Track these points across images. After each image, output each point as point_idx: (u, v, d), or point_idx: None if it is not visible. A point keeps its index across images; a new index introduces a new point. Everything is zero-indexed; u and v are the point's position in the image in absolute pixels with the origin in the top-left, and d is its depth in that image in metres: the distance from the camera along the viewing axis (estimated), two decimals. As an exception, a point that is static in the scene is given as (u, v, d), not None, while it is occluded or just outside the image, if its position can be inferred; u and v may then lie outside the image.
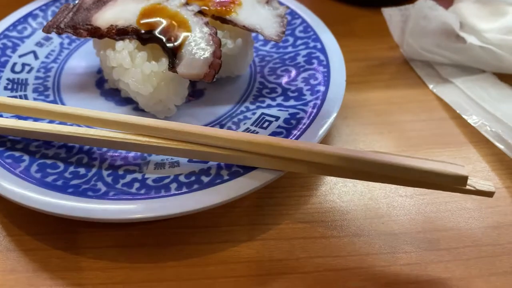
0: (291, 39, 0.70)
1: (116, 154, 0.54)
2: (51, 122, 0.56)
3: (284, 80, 0.64)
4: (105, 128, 0.53)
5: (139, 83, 0.56)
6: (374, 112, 0.69)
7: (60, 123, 0.55)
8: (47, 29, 0.61)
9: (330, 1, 0.91)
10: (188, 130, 0.50)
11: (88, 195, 0.49)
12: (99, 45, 0.61)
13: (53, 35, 0.70)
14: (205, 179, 0.50)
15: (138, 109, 0.60)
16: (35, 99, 0.61)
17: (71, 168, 0.52)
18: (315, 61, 0.66)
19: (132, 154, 0.54)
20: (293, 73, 0.65)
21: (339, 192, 0.58)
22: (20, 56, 0.67)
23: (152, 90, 0.56)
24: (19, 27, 0.70)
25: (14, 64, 0.66)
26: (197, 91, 0.64)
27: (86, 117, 0.53)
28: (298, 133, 0.55)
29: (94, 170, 0.52)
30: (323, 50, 0.67)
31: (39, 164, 0.52)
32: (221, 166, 0.52)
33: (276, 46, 0.70)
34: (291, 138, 0.54)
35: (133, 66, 0.56)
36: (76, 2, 0.63)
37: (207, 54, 0.55)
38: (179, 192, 0.49)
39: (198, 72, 0.54)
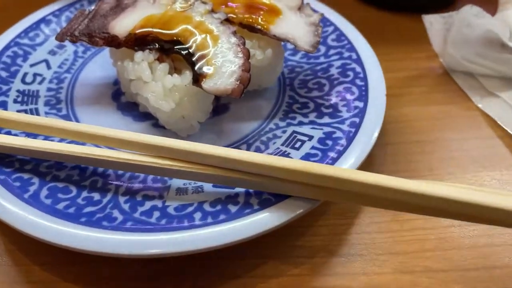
0: (323, 49, 0.64)
1: (134, 178, 0.49)
2: (62, 140, 0.51)
3: (317, 94, 0.59)
4: (122, 149, 0.47)
5: (160, 98, 0.51)
6: (413, 128, 0.63)
7: (73, 141, 0.50)
8: (60, 37, 0.57)
9: (361, 5, 0.85)
10: (213, 153, 0.45)
11: (103, 225, 0.44)
12: (116, 55, 0.56)
13: (67, 42, 0.66)
14: (233, 208, 0.45)
15: (158, 126, 0.55)
16: (46, 113, 0.57)
17: (85, 193, 0.47)
18: (350, 73, 0.60)
19: (151, 177, 0.49)
20: (327, 86, 0.59)
21: (380, 222, 0.52)
22: (31, 66, 0.62)
23: (174, 106, 0.51)
24: (31, 34, 0.66)
25: (25, 74, 0.61)
26: (221, 106, 0.59)
27: (101, 136, 0.48)
28: (336, 155, 0.49)
29: (109, 195, 0.47)
30: (359, 61, 0.61)
31: (49, 188, 0.48)
32: (249, 193, 0.46)
33: (306, 56, 0.64)
34: (327, 162, 0.49)
35: (153, 79, 0.51)
36: (92, 8, 0.59)
37: (235, 67, 0.50)
38: (204, 223, 0.44)
39: (226, 87, 0.49)
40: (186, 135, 0.54)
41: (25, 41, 0.65)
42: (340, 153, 0.49)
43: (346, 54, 0.62)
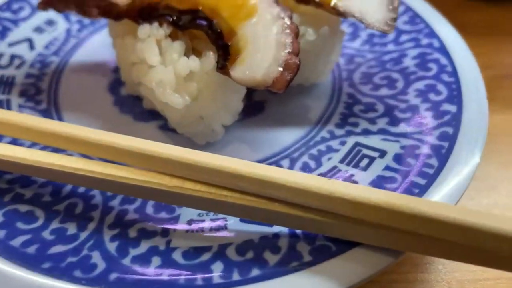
0: (392, 34, 0.48)
1: (128, 202, 0.34)
2: (34, 145, 0.37)
3: (387, 92, 0.43)
4: (113, 160, 0.32)
5: (170, 89, 0.35)
6: (508, 144, 0.46)
7: (47, 146, 0.36)
8: (43, 4, 0.42)
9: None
10: (242, 171, 0.30)
11: (74, 277, 0.29)
12: (116, 30, 0.42)
13: (59, 18, 0.51)
14: (272, 258, 0.30)
15: (167, 128, 0.40)
16: (20, 106, 0.42)
17: (55, 223, 0.33)
18: (433, 65, 0.44)
19: (152, 203, 0.34)
20: (400, 82, 0.43)
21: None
22: (10, 45, 0.48)
23: (189, 102, 0.36)
24: (15, 6, 0.52)
25: (0, 55, 0.47)
26: (254, 105, 0.43)
27: (85, 141, 0.33)
28: (424, 181, 0.33)
29: (91, 227, 0.32)
30: (443, 50, 0.45)
31: (6, 213, 0.33)
32: (296, 235, 0.31)
33: (370, 42, 0.48)
34: (412, 192, 0.33)
35: (163, 62, 0.36)
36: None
37: (279, 48, 0.34)
38: (228, 281, 0.28)
39: (264, 77, 0.33)
40: (204, 142, 0.39)
41: (6, 14, 0.51)
42: (431, 179, 0.33)
43: (425, 41, 0.46)
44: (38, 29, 0.50)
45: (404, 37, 0.48)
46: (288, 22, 0.36)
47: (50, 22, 0.51)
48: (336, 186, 0.29)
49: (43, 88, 0.44)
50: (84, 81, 0.45)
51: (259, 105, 0.43)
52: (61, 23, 0.51)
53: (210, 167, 0.30)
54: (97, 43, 0.49)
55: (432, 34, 0.47)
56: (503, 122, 0.48)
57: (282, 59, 0.34)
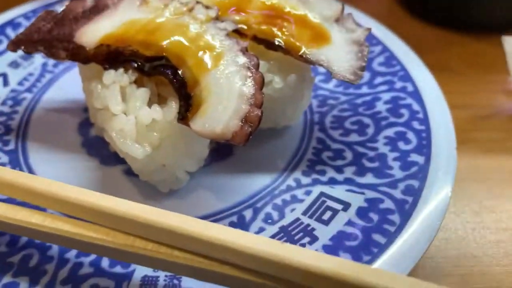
0: (367, 75, 0.48)
1: (83, 255, 0.34)
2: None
3: (357, 138, 0.42)
4: (67, 214, 0.32)
5: (131, 139, 0.35)
6: (487, 191, 0.46)
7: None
8: (13, 45, 0.42)
9: (415, 20, 0.68)
10: (192, 233, 0.29)
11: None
12: (85, 73, 0.41)
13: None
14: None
15: (132, 173, 0.40)
16: (-13, 146, 0.42)
17: (7, 277, 0.32)
18: (404, 111, 0.43)
19: (106, 258, 0.34)
20: (371, 128, 0.43)
21: None
22: (-17, 81, 0.48)
23: (149, 152, 0.35)
24: (-8, 40, 0.52)
25: (-27, 91, 0.47)
26: (223, 148, 0.43)
27: (37, 192, 0.32)
28: (384, 240, 0.33)
29: (43, 282, 0.32)
30: (416, 95, 0.44)
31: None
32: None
33: (343, 84, 0.48)
34: (371, 252, 0.32)
35: (126, 110, 0.36)
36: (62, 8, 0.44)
37: (240, 100, 0.34)
38: None
39: (224, 131, 0.33)
40: (168, 189, 0.39)
41: (-19, 48, 0.51)
42: (392, 237, 0.33)
43: (399, 85, 0.46)
44: (14, 64, 0.50)
45: (378, 79, 0.47)
46: (253, 72, 0.36)
47: (27, 57, 0.51)
48: (288, 252, 0.28)
49: (12, 127, 0.44)
50: (55, 120, 0.45)
51: (227, 149, 0.43)
52: (38, 57, 0.51)
53: (160, 227, 0.30)
54: (72, 79, 0.49)
55: (407, 77, 0.46)
56: (472, 167, 0.47)
57: (243, 112, 0.34)
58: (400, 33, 0.54)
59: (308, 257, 0.28)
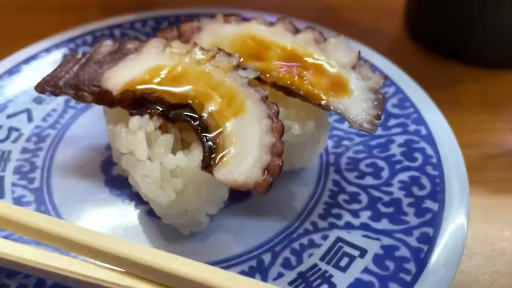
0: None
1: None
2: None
3: (372, 182, 0.43)
4: (95, 259, 0.33)
5: (156, 185, 0.36)
6: (500, 232, 0.47)
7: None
8: (41, 87, 0.44)
9: (427, 56, 0.68)
10: (200, 279, 0.30)
11: None
12: (110, 115, 0.43)
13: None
14: None
15: (153, 214, 0.41)
16: (13, 184, 0.43)
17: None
18: (418, 155, 0.44)
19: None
20: (385, 171, 0.44)
21: None
22: (8, 117, 0.50)
23: (173, 198, 0.36)
24: (15, 76, 0.53)
25: (-1, 127, 0.49)
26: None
27: (55, 236, 0.34)
28: (400, 290, 0.34)
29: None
30: (430, 139, 0.46)
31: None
32: None
33: (358, 125, 0.49)
34: (388, 301, 0.33)
35: (150, 156, 0.37)
36: (88, 51, 0.46)
37: (262, 151, 0.35)
38: None
39: (246, 180, 0.34)
40: (189, 232, 0.40)
41: (6, 82, 0.52)
42: (408, 286, 0.34)
43: (412, 128, 0.47)
44: (37, 99, 0.52)
45: (392, 122, 0.48)
46: (274, 121, 0.37)
47: (49, 93, 0.53)
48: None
49: (37, 164, 0.46)
50: (79, 157, 0.46)
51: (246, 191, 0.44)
52: (60, 93, 0.53)
53: (188, 278, 0.31)
54: (95, 116, 0.50)
55: (420, 120, 0.47)
56: (483, 207, 0.48)
57: (265, 162, 0.35)
58: (411, 67, 0.55)
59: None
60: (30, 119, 0.50)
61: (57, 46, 0.57)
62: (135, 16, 0.62)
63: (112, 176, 0.45)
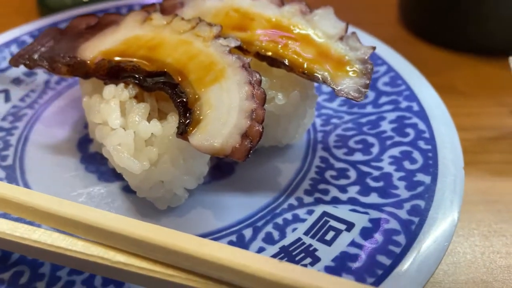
0: (371, 95, 0.47)
1: (75, 273, 0.32)
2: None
3: (361, 157, 0.41)
4: (59, 229, 0.31)
5: (129, 153, 0.34)
6: (496, 214, 0.44)
7: None
8: (14, 60, 0.42)
9: (422, 44, 0.67)
10: (187, 250, 0.28)
11: None
12: (86, 87, 0.41)
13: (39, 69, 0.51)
14: None
15: (129, 190, 0.39)
16: (-16, 161, 0.41)
17: (-4, 294, 0.31)
18: (410, 130, 0.42)
19: (99, 276, 0.32)
20: (376, 147, 0.42)
21: None
22: (-15, 97, 0.48)
23: (147, 167, 0.34)
24: (-4, 57, 0.52)
25: (-25, 107, 0.47)
26: (224, 166, 0.42)
27: (31, 208, 0.31)
28: (388, 262, 0.31)
29: (32, 301, 0.31)
30: (422, 115, 0.43)
31: None
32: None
33: (348, 103, 0.47)
34: (375, 273, 0.31)
35: (124, 125, 0.35)
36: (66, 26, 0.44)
37: (241, 116, 0.33)
38: None
39: (223, 146, 0.32)
40: (166, 207, 0.38)
41: (-15, 65, 0.51)
42: (397, 259, 0.31)
43: (404, 104, 0.45)
44: (16, 80, 0.50)
45: (383, 99, 0.46)
46: (255, 88, 0.35)
47: (30, 74, 0.51)
48: (286, 271, 0.27)
49: (11, 142, 0.44)
50: (55, 136, 0.45)
51: (229, 167, 0.42)
52: (41, 74, 0.51)
53: (154, 243, 0.28)
54: (74, 96, 0.49)
55: (412, 96, 0.45)
56: (481, 189, 0.46)
57: (244, 127, 0.33)
58: (407, 56, 0.53)
59: (307, 276, 0.27)
60: (7, 99, 0.48)
61: (40, 30, 0.56)
62: (121, 2, 0.61)
63: (89, 153, 0.43)
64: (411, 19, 0.69)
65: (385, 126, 0.44)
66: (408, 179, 0.38)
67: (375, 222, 0.35)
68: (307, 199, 0.38)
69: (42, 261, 0.33)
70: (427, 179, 0.37)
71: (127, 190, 0.39)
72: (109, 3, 0.60)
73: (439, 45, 0.66)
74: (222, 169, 0.41)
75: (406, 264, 0.31)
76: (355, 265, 0.32)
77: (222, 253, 0.28)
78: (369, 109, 0.46)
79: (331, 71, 0.38)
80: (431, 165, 0.38)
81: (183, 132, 0.34)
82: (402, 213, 0.35)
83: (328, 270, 0.32)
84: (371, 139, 0.43)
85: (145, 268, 0.29)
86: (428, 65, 0.56)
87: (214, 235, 0.36)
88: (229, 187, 0.40)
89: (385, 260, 0.32)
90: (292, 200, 0.38)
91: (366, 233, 0.34)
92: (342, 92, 0.37)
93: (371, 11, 0.75)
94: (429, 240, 0.32)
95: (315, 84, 0.45)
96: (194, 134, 0.33)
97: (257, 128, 0.33)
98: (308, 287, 0.26)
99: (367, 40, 0.52)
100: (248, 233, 0.36)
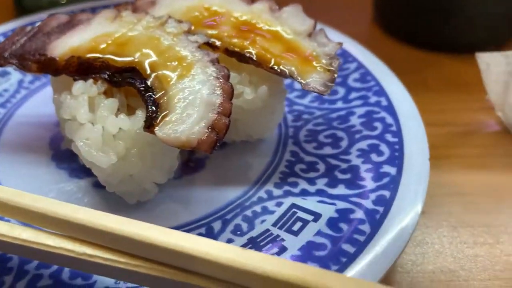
0: (341, 91, 0.48)
1: (43, 267, 0.33)
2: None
3: (330, 151, 0.42)
4: (26, 222, 0.31)
5: (96, 147, 0.35)
6: (465, 206, 0.45)
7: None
8: (-15, 59, 0.42)
9: (395, 43, 0.68)
10: (152, 240, 0.28)
11: None
12: (56, 85, 0.41)
13: (12, 69, 0.51)
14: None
15: (100, 186, 0.39)
16: (-46, 160, 0.41)
17: (-38, 289, 0.31)
18: (378, 124, 0.43)
19: (67, 270, 0.33)
20: (345, 141, 0.43)
21: None
22: (-44, 96, 0.48)
23: (115, 161, 0.35)
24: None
25: None
26: (195, 161, 0.42)
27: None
28: (353, 250, 0.32)
29: (-2, 294, 0.31)
30: (390, 109, 0.44)
31: None
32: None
33: (319, 99, 0.48)
34: (339, 260, 0.31)
35: (93, 120, 0.36)
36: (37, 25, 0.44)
37: (207, 109, 0.34)
38: None
39: (189, 138, 0.33)
40: (135, 201, 0.38)
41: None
42: (361, 246, 0.32)
43: (373, 99, 0.46)
44: (-11, 80, 0.50)
45: (353, 95, 0.47)
46: (222, 82, 0.36)
47: (4, 73, 0.51)
48: (250, 259, 0.27)
49: (-18, 140, 0.44)
50: (27, 134, 0.45)
51: (200, 162, 0.42)
52: (14, 74, 0.51)
53: (119, 234, 0.29)
54: (47, 96, 0.49)
55: (381, 92, 0.46)
56: (450, 183, 0.47)
57: (210, 120, 0.34)
58: (380, 54, 0.54)
59: (270, 263, 0.27)
60: (-21, 98, 0.48)
61: (14, 30, 0.56)
62: (97, 3, 0.61)
63: (60, 151, 0.43)
64: (385, 19, 0.70)
65: (354, 120, 0.44)
66: (374, 171, 0.39)
67: (342, 212, 0.36)
68: (277, 192, 0.39)
69: (10, 255, 0.33)
70: (393, 170, 0.38)
71: (98, 185, 0.39)
72: (85, 4, 0.60)
73: (412, 44, 0.67)
74: (193, 164, 0.42)
75: (370, 251, 0.32)
76: (321, 253, 0.32)
77: (186, 242, 0.28)
78: (339, 104, 0.47)
79: (298, 66, 0.39)
80: (397, 157, 0.39)
81: (149, 125, 0.34)
82: (368, 203, 0.36)
83: (294, 258, 0.32)
84: (340, 133, 0.43)
85: (110, 259, 0.29)
86: (401, 64, 0.57)
87: (183, 228, 0.36)
88: (199, 181, 0.40)
89: (349, 248, 0.32)
90: (262, 193, 0.39)
91: (332, 223, 0.35)
92: (309, 86, 0.37)
93: (346, 10, 0.76)
94: (393, 228, 0.33)
95: (288, 81, 0.45)
96: (160, 127, 0.33)
97: (223, 121, 0.34)
98: (270, 273, 0.26)
99: (339, 38, 0.53)
100: (217, 225, 0.36)
